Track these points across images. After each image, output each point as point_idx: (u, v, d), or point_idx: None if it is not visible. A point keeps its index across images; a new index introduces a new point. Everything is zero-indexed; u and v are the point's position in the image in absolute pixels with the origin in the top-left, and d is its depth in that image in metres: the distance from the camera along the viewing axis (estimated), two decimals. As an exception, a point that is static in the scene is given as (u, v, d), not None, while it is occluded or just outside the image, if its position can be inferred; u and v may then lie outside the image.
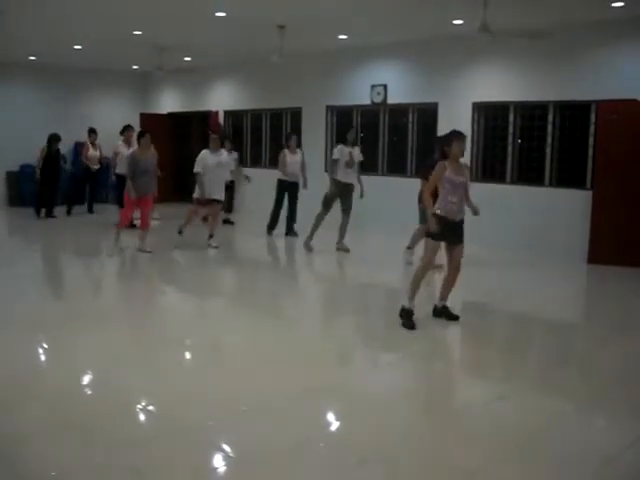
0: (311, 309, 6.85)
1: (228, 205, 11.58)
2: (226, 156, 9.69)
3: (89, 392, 4.37)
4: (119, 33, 10.52)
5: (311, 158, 11.86)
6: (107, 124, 15.20)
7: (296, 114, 12.92)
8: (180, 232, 9.67)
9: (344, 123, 12.19)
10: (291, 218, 10.57)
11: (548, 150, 9.58)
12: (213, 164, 9.29)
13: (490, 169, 10.23)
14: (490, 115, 10.30)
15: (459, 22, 9.01)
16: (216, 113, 14.34)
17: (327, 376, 4.60)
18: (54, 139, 12.07)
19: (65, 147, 14.60)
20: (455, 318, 5.84)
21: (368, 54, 11.41)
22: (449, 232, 5.59)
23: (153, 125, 13.78)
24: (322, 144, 12.27)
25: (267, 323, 6.03)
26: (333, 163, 9.23)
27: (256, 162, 13.93)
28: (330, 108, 12.29)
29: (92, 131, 12.88)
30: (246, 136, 14.18)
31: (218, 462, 3.38)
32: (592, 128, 9.04)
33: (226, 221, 11.77)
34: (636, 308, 6.67)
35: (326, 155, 12.30)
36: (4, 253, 9.31)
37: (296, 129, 12.90)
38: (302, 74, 12.43)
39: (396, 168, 11.38)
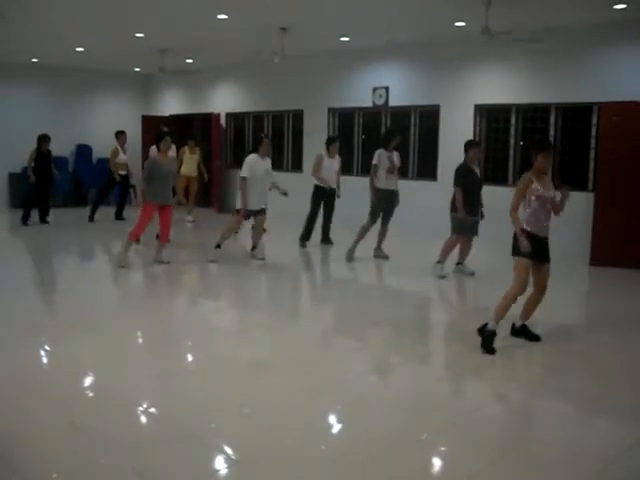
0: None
1: None
2: (269, 163, 8.69)
3: (91, 394, 4.37)
4: (121, 35, 10.56)
5: (312, 161, 11.87)
6: (109, 126, 15.27)
7: (298, 116, 12.94)
8: (218, 246, 8.51)
9: (346, 126, 12.24)
10: (327, 226, 9.93)
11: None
12: (262, 171, 8.41)
13: (492, 171, 10.22)
14: (492, 117, 10.31)
15: (461, 24, 9.02)
16: (217, 115, 14.36)
17: (327, 379, 4.60)
18: (43, 139, 11.49)
19: (67, 149, 14.71)
20: (536, 338, 5.42)
21: (370, 56, 11.43)
22: (537, 249, 5.19)
23: (155, 127, 13.78)
24: (324, 147, 12.24)
25: (275, 327, 6.03)
26: (374, 169, 8.69)
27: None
28: (332, 110, 12.30)
29: (121, 133, 12.21)
30: (248, 138, 14.19)
31: (220, 464, 3.37)
32: (594, 130, 9.05)
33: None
34: (638, 310, 6.66)
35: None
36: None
37: (298, 131, 12.94)
38: (304, 76, 12.45)
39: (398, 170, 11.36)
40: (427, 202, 10.16)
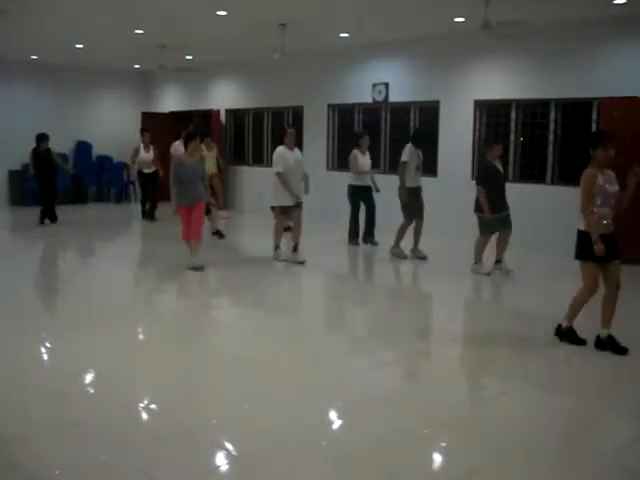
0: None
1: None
2: (299, 154, 8.45)
3: (92, 391, 4.37)
4: (120, 32, 10.53)
5: (312, 157, 11.86)
6: (109, 123, 15.31)
7: (298, 112, 12.92)
8: (277, 248, 8.40)
9: (346, 122, 12.22)
10: (370, 224, 9.63)
11: (550, 148, 9.57)
12: (293, 163, 8.11)
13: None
14: (492, 113, 10.29)
15: (460, 19, 9.01)
16: (217, 112, 14.34)
17: (329, 376, 4.61)
18: (40, 138, 11.16)
19: (67, 147, 14.70)
20: (623, 352, 5.00)
21: (369, 52, 11.40)
22: (606, 249, 4.93)
23: (155, 124, 13.78)
24: (324, 143, 12.26)
25: (277, 326, 6.03)
26: (403, 166, 8.53)
27: (258, 161, 13.94)
28: (332, 106, 12.28)
29: (145, 130, 11.96)
30: (248, 135, 14.18)
31: (220, 461, 3.38)
32: (594, 125, 9.03)
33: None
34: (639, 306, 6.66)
35: (328, 154, 12.32)
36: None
37: (298, 128, 12.90)
38: (304, 72, 12.42)
39: (397, 167, 11.35)
40: (427, 198, 10.13)
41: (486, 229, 7.64)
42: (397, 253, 8.69)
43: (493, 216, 7.48)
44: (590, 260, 4.97)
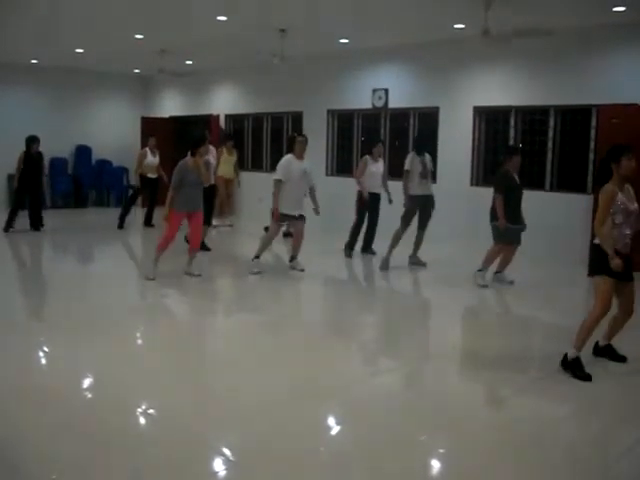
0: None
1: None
2: (309, 165, 8.11)
3: (89, 395, 4.36)
4: (120, 37, 10.56)
5: (311, 162, 11.88)
6: (108, 128, 15.32)
7: (297, 118, 12.94)
8: (257, 257, 8.04)
9: (345, 127, 12.24)
10: (370, 234, 9.41)
11: (549, 154, 9.59)
12: (299, 173, 7.84)
13: (491, 174, 10.22)
14: (491, 119, 10.32)
15: (460, 26, 9.04)
16: (217, 117, 14.36)
17: (328, 381, 4.60)
18: (31, 140, 10.97)
19: (66, 151, 14.71)
20: (622, 359, 5.00)
21: (369, 58, 11.43)
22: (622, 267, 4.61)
23: (155, 129, 13.79)
24: (323, 148, 12.28)
25: (276, 330, 6.03)
26: (405, 175, 8.42)
27: (257, 166, 13.95)
28: (331, 112, 12.31)
29: (151, 135, 11.83)
30: (247, 140, 14.20)
31: (218, 466, 3.37)
32: (593, 132, 9.06)
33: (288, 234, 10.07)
34: (636, 313, 6.65)
35: (327, 160, 12.33)
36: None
37: (297, 133, 12.91)
38: (303, 78, 12.46)
39: (397, 172, 11.34)
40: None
41: (501, 239, 7.40)
42: (384, 264, 8.43)
43: (508, 226, 7.26)
44: (605, 274, 4.62)
